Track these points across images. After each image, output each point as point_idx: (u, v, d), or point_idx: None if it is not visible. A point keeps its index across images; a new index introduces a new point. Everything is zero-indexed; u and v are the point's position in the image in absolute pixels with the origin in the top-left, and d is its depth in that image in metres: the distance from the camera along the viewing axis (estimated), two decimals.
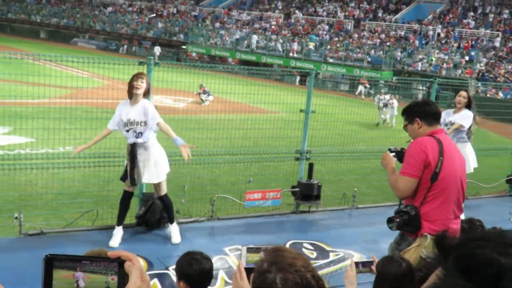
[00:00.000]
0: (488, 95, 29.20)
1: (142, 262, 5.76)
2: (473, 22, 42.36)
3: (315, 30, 47.05)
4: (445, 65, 36.86)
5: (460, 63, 37.17)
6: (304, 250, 6.99)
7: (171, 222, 6.93)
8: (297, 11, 51.97)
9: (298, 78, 34.18)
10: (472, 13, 43.88)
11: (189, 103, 20.99)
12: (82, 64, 7.31)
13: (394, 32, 44.01)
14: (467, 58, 37.49)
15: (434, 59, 37.85)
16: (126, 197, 6.65)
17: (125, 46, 52.95)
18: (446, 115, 8.13)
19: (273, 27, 49.42)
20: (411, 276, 3.07)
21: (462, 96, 8.14)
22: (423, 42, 41.54)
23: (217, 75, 14.76)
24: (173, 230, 6.89)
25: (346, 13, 49.24)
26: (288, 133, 9.04)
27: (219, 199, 7.98)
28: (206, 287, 3.47)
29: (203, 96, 21.66)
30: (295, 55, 41.61)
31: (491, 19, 42.14)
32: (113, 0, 66.14)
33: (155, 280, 5.65)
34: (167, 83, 8.02)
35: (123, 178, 6.55)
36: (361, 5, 50.02)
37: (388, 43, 41.08)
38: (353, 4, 50.49)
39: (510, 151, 11.98)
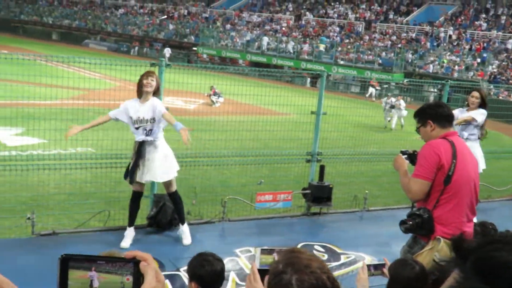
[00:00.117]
0: (500, 97, 29.01)
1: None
2: (485, 24, 42.10)
3: (326, 32, 46.99)
4: (456, 67, 36.65)
5: (472, 65, 36.95)
6: (315, 252, 6.97)
7: (182, 223, 6.93)
8: (307, 13, 51.94)
9: (308, 79, 34.17)
10: (484, 15, 43.61)
11: (199, 105, 21.05)
12: (94, 65, 7.35)
13: (405, 34, 43.83)
14: (479, 60, 37.24)
15: (445, 61, 37.66)
16: (135, 198, 6.66)
17: (136, 48, 53.17)
18: (460, 112, 8.07)
19: (283, 28, 49.40)
20: (424, 279, 3.05)
21: (474, 97, 8.05)
22: (435, 44, 41.35)
23: (227, 76, 14.81)
24: (185, 231, 6.90)
25: (357, 15, 49.13)
26: (299, 135, 9.04)
27: (230, 201, 7.98)
28: None
29: (214, 98, 21.70)
30: (306, 56, 41.58)
31: (503, 21, 41.86)
32: (125, 2, 66.46)
33: (167, 281, 5.66)
34: (178, 84, 8.05)
35: (125, 176, 6.54)
36: (372, 7, 49.89)
37: (399, 45, 40.92)
38: (364, 6, 50.37)
39: None
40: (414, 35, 43.45)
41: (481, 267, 1.13)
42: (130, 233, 6.67)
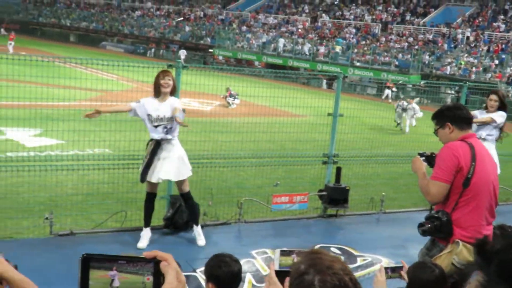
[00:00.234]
0: None
1: None
2: (503, 25, 41.65)
3: (342, 33, 46.85)
4: (474, 69, 36.32)
5: (490, 67, 36.58)
6: None
7: (196, 224, 6.94)
8: (324, 15, 51.82)
9: (324, 81, 34.08)
10: (502, 16, 43.14)
11: (216, 106, 21.10)
12: (112, 67, 7.40)
13: (422, 36, 43.53)
14: (496, 61, 36.86)
15: (463, 62, 37.33)
16: (149, 199, 6.68)
17: (153, 50, 53.49)
18: (479, 114, 8.00)
19: (299, 30, 49.34)
20: (444, 283, 3.03)
21: (493, 100, 7.97)
22: (452, 45, 41.01)
23: (243, 78, 14.81)
24: (199, 232, 6.91)
25: (374, 17, 48.91)
26: (315, 137, 9.01)
27: (246, 202, 7.98)
28: None
29: (230, 99, 21.75)
30: (322, 58, 41.49)
31: None
32: (141, 4, 66.90)
33: None
34: (194, 86, 8.07)
35: (142, 179, 6.56)
36: (388, 8, 49.64)
37: (416, 47, 40.66)
38: (380, 8, 50.13)
39: None
40: (431, 36, 43.14)
41: (505, 270, 1.12)
42: (146, 233, 6.70)
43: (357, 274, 6.47)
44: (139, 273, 1.41)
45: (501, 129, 8.12)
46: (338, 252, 7.05)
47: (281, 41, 44.69)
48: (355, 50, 41.47)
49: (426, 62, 38.77)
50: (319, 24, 50.44)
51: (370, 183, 9.70)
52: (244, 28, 52.27)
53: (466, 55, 38.60)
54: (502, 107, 7.98)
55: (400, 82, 29.49)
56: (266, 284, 1.98)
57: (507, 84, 32.09)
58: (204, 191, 8.04)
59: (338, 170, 8.40)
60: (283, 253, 2.38)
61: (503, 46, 38.81)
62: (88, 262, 1.42)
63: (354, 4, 52.26)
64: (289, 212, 8.33)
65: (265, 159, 8.64)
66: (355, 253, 7.06)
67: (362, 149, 10.00)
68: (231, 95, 21.62)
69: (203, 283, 5.56)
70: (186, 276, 5.82)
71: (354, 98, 16.81)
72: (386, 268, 3.42)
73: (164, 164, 6.43)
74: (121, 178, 7.36)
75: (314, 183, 8.85)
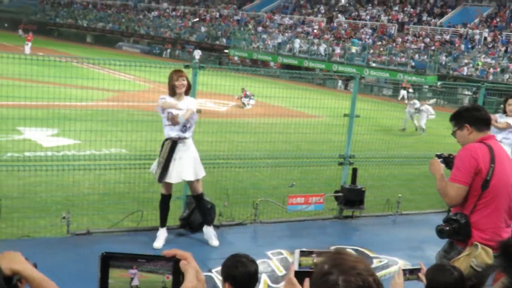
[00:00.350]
0: None
1: None
2: None
3: (358, 34, 46.67)
4: (491, 69, 35.97)
5: (508, 68, 36.20)
6: None
7: (208, 224, 6.93)
8: (339, 15, 51.66)
9: (340, 82, 33.97)
10: None
11: (231, 107, 21.13)
12: (129, 67, 7.44)
13: (439, 36, 43.21)
14: None
15: (480, 63, 37.00)
16: (165, 201, 6.69)
17: (169, 50, 53.73)
18: (499, 117, 7.94)
19: (315, 31, 49.24)
20: (462, 286, 3.00)
21: (511, 105, 7.93)
22: (469, 46, 40.65)
23: (259, 79, 14.82)
24: (211, 233, 6.91)
25: (390, 17, 48.65)
26: (330, 138, 8.98)
27: (262, 203, 7.98)
28: None
29: (245, 100, 21.76)
30: (338, 59, 41.38)
31: None
32: (157, 5, 67.23)
33: None
34: (210, 86, 8.09)
35: (160, 179, 6.55)
36: (405, 9, 49.34)
37: (432, 47, 40.37)
38: (397, 8, 49.84)
39: None
40: (448, 37, 42.80)
41: None
42: (162, 233, 6.72)
43: None
44: (159, 272, 1.42)
45: None
46: (354, 253, 7.01)
47: (297, 41, 44.64)
48: (371, 51, 41.28)
49: (443, 63, 38.47)
50: (335, 24, 50.30)
51: (386, 184, 9.64)
52: (259, 28, 52.30)
53: (483, 55, 38.24)
54: None
55: (409, 82, 29.23)
56: (285, 284, 1.98)
57: None
58: (220, 191, 8.06)
59: (354, 171, 8.37)
60: (303, 254, 2.37)
61: None
62: (108, 261, 1.43)
63: (370, 5, 52.03)
64: (305, 213, 8.30)
65: (280, 160, 8.62)
66: (371, 254, 7.02)
67: (378, 150, 9.95)
68: (246, 96, 21.64)
69: (218, 283, 5.57)
70: None
71: (370, 99, 16.74)
72: (404, 270, 3.40)
73: (181, 165, 6.44)
74: (137, 178, 7.40)
75: (330, 184, 8.82)
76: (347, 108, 8.46)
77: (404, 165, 9.73)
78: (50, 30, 68.32)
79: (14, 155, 8.39)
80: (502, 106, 8.23)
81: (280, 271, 6.26)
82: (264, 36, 48.52)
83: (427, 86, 29.85)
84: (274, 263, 6.46)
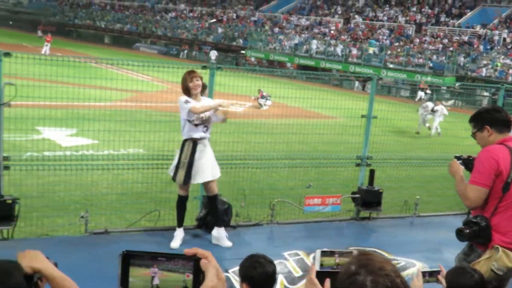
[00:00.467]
0: None
1: None
2: None
3: (375, 35, 46.42)
4: (511, 71, 35.55)
5: None
6: None
7: (219, 226, 6.90)
8: (356, 16, 51.42)
9: (357, 83, 33.83)
10: None
11: (248, 108, 21.14)
12: (147, 68, 7.48)
13: (457, 37, 42.81)
14: None
15: (499, 64, 36.58)
16: (182, 201, 6.69)
17: (186, 51, 53.93)
18: None
19: (332, 32, 49.08)
20: None
21: None
22: (488, 47, 40.22)
23: (275, 80, 14.81)
24: (223, 233, 6.90)
25: (407, 18, 48.31)
26: (347, 139, 8.95)
27: (278, 204, 7.97)
28: None
29: (261, 101, 21.76)
30: (355, 60, 41.22)
31: None
32: (175, 6, 67.51)
33: None
34: (227, 87, 8.11)
35: (175, 177, 6.57)
36: (423, 9, 48.96)
37: (451, 48, 40.02)
38: (414, 9, 49.49)
39: None
40: (466, 38, 42.38)
41: None
42: (179, 233, 6.74)
43: None
44: (179, 271, 1.42)
45: None
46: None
47: (314, 42, 44.54)
48: (388, 52, 41.05)
49: (461, 64, 38.12)
50: (352, 25, 50.08)
51: (404, 186, 9.58)
52: (276, 29, 52.27)
53: (502, 56, 37.81)
54: None
55: (426, 83, 28.97)
56: (307, 284, 1.97)
57: None
58: (237, 192, 8.06)
59: (372, 172, 8.32)
60: (324, 254, 2.36)
61: None
62: (129, 259, 1.43)
63: (387, 5, 51.73)
64: (322, 214, 8.28)
65: (297, 161, 8.61)
66: (389, 256, 6.97)
67: (395, 152, 9.88)
68: (262, 97, 21.63)
69: (235, 283, 5.57)
70: None
71: (387, 100, 16.65)
72: (423, 272, 3.37)
73: (201, 165, 6.45)
74: (154, 178, 7.43)
75: (347, 185, 8.78)
76: (364, 109, 8.42)
77: (421, 167, 9.67)
78: (68, 31, 68.98)
79: (33, 154, 8.48)
80: None
81: (297, 272, 6.24)
82: (281, 37, 48.47)
83: (445, 87, 29.60)
84: (291, 264, 6.45)
